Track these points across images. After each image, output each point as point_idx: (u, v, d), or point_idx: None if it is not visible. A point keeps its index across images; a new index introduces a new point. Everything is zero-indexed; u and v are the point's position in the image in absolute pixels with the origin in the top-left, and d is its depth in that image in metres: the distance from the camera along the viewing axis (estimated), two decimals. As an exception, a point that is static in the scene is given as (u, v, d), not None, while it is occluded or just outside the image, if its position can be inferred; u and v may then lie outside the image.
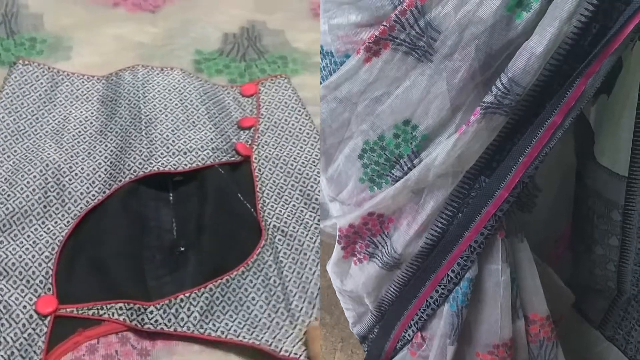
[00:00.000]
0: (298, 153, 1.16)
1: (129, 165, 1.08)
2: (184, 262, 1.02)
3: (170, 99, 1.20)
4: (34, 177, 1.05)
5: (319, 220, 1.07)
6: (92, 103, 1.22)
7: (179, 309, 0.94)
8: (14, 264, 0.95)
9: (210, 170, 1.11)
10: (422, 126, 0.89)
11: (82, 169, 1.09)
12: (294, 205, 1.09)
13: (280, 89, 1.29)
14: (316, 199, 1.09)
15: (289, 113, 1.24)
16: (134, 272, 0.99)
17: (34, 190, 1.04)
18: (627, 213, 1.05)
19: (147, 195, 1.08)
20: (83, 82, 1.25)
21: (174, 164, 1.08)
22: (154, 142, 1.11)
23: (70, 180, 1.07)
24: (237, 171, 1.14)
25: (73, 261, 0.99)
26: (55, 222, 1.02)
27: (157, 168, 1.07)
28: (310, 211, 1.08)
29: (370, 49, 0.87)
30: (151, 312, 0.93)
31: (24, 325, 0.90)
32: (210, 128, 1.16)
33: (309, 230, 1.05)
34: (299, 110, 1.24)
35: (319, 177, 1.08)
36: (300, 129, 1.21)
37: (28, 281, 0.94)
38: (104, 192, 1.06)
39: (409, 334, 1.03)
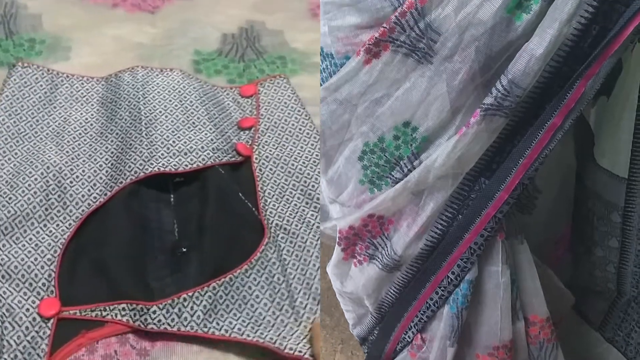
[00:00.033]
0: (298, 153, 1.16)
1: (129, 166, 1.08)
2: (186, 262, 1.01)
3: (170, 100, 1.20)
4: (35, 179, 1.05)
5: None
6: (92, 105, 1.22)
7: (182, 309, 0.94)
8: (16, 267, 0.95)
9: (211, 170, 1.11)
10: (422, 128, 0.89)
11: (83, 171, 1.09)
12: (295, 205, 1.09)
13: (280, 89, 1.29)
14: (317, 199, 1.09)
15: (289, 113, 1.24)
16: (136, 274, 0.99)
17: (35, 192, 1.04)
18: (627, 215, 1.04)
19: (148, 197, 1.08)
20: (82, 83, 1.25)
21: (175, 165, 1.08)
22: (154, 143, 1.11)
23: (71, 182, 1.07)
24: (237, 171, 1.14)
25: (75, 263, 0.99)
26: (57, 225, 1.02)
27: (158, 169, 1.07)
28: (312, 210, 1.08)
29: (370, 51, 0.87)
30: (154, 312, 0.93)
31: (27, 328, 0.90)
32: (211, 129, 1.16)
33: (311, 229, 1.05)
34: (299, 110, 1.24)
35: (320, 176, 1.08)
36: (300, 128, 1.21)
37: (31, 284, 0.94)
38: (105, 194, 1.06)
39: (409, 336, 1.03)
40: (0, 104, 1.17)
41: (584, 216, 1.12)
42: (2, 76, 1.23)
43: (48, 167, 1.07)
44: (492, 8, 0.80)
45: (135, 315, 0.93)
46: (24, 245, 0.98)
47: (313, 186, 1.10)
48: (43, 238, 1.00)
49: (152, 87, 1.22)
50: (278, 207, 1.08)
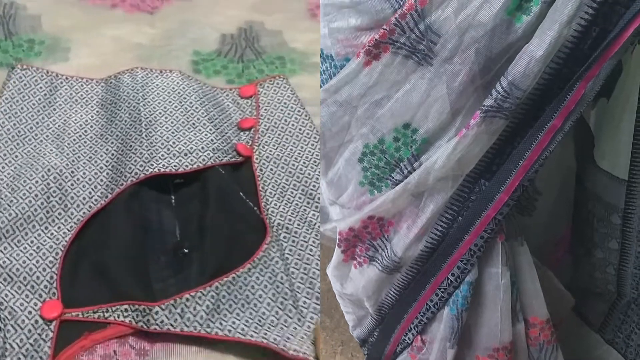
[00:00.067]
0: (299, 153, 1.16)
1: (129, 168, 1.08)
2: (188, 263, 1.01)
3: (170, 101, 1.20)
4: (36, 182, 1.05)
5: (322, 219, 1.07)
6: (92, 106, 1.22)
7: (184, 309, 0.93)
8: (18, 269, 0.95)
9: (211, 171, 1.11)
10: (422, 130, 0.89)
11: (84, 173, 1.09)
12: (296, 204, 1.09)
13: (279, 90, 1.29)
14: (318, 199, 1.09)
15: (289, 113, 1.24)
16: (138, 275, 0.98)
17: (36, 195, 1.04)
18: (627, 216, 1.04)
19: (148, 198, 1.08)
20: (82, 85, 1.25)
21: (175, 166, 1.08)
22: (154, 144, 1.11)
23: (72, 185, 1.07)
24: (238, 172, 1.14)
25: (77, 265, 0.99)
26: (59, 227, 1.02)
27: (158, 170, 1.07)
28: (313, 210, 1.08)
29: (370, 53, 0.87)
30: (157, 313, 0.93)
31: (29, 330, 0.90)
32: (211, 129, 1.16)
33: (312, 229, 1.05)
34: (299, 111, 1.24)
35: (320, 177, 1.08)
36: (300, 129, 1.21)
37: (32, 286, 0.94)
38: (106, 197, 1.06)
39: (409, 338, 1.03)
40: (0, 106, 1.17)
41: (584, 218, 1.12)
42: (1, 77, 1.23)
43: (49, 170, 1.07)
44: (492, 10, 0.80)
45: (137, 316, 0.93)
46: (25, 248, 0.98)
47: (314, 186, 1.10)
48: (45, 240, 1.00)
49: (152, 88, 1.22)
50: (279, 206, 1.08)
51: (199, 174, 1.10)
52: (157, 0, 1.48)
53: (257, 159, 1.15)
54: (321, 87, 0.92)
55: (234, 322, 0.94)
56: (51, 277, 0.96)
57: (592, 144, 1.07)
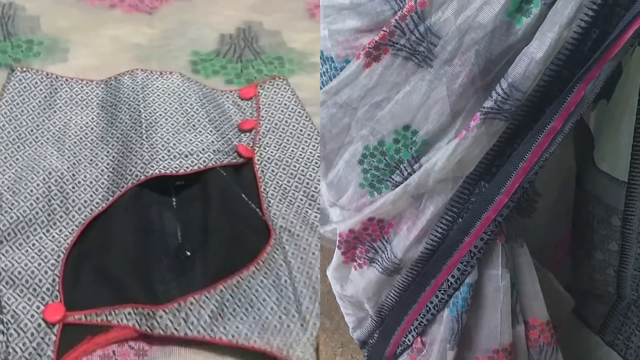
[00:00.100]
0: (300, 154, 1.16)
1: (130, 170, 1.08)
2: (190, 266, 1.01)
3: (170, 103, 1.20)
4: (37, 185, 1.05)
5: (323, 221, 1.07)
6: (92, 108, 1.22)
7: (189, 313, 0.93)
8: (20, 272, 0.95)
9: (212, 172, 1.10)
10: (422, 131, 0.89)
11: (85, 176, 1.09)
12: (298, 206, 1.08)
13: (280, 91, 1.29)
14: (320, 200, 1.09)
15: (289, 114, 1.23)
16: (140, 277, 0.98)
17: (37, 198, 1.03)
18: (626, 218, 1.04)
19: (150, 200, 1.08)
20: (82, 87, 1.25)
21: (176, 167, 1.08)
22: (155, 146, 1.11)
23: (73, 188, 1.07)
24: (239, 173, 1.14)
25: (79, 268, 0.98)
26: (60, 230, 1.02)
27: (159, 171, 1.07)
28: (315, 212, 1.07)
29: (370, 54, 0.87)
30: (161, 317, 0.92)
31: (32, 334, 0.90)
32: (211, 131, 1.16)
33: (314, 231, 1.05)
34: (299, 112, 1.24)
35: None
36: (301, 130, 1.21)
37: (35, 289, 0.94)
38: (108, 199, 1.06)
39: (409, 339, 1.03)
40: (0, 109, 1.17)
41: (584, 219, 1.12)
42: (0, 78, 1.23)
43: (50, 173, 1.07)
44: (492, 11, 0.81)
45: (141, 319, 0.92)
46: (27, 251, 0.98)
47: (315, 188, 1.10)
48: (46, 243, 0.99)
49: (152, 90, 1.22)
50: (281, 208, 1.08)
51: (199, 176, 1.10)
52: (155, 1, 1.48)
53: (258, 160, 1.14)
54: (321, 88, 0.92)
55: (237, 327, 0.94)
56: (53, 280, 0.95)
57: (592, 146, 1.07)
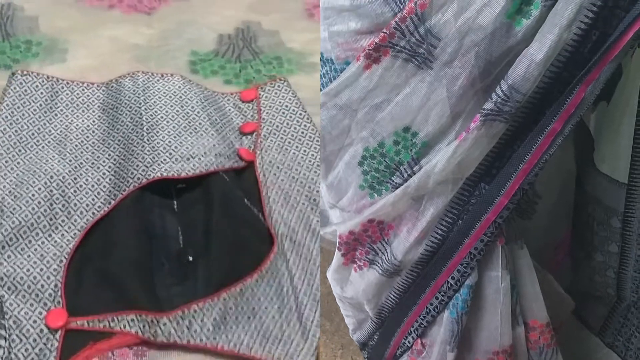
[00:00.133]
0: (302, 157, 1.16)
1: (132, 173, 1.07)
2: (193, 271, 1.00)
3: (172, 106, 1.19)
4: (39, 189, 1.05)
5: (324, 227, 1.06)
6: (93, 111, 1.21)
7: (192, 321, 0.93)
8: (22, 278, 0.94)
9: (215, 176, 1.10)
10: (422, 133, 0.89)
11: (87, 180, 1.09)
12: (300, 211, 1.08)
13: (281, 93, 1.28)
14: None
15: (290, 117, 1.23)
16: (143, 283, 0.97)
17: (39, 202, 1.03)
18: (626, 220, 1.05)
19: (151, 203, 1.08)
20: (83, 90, 1.25)
21: (177, 170, 1.08)
22: (156, 149, 1.10)
23: (75, 192, 1.07)
24: (240, 177, 1.13)
25: (82, 273, 0.98)
26: (62, 235, 1.01)
27: (161, 174, 1.06)
28: (317, 216, 1.07)
29: (371, 56, 0.87)
30: (164, 324, 0.92)
31: (34, 340, 0.89)
32: (213, 134, 1.16)
33: (316, 237, 1.05)
34: (300, 114, 1.23)
35: (323, 181, 1.08)
36: (302, 132, 1.20)
37: (37, 295, 0.93)
38: (109, 203, 1.05)
39: (409, 341, 1.03)
40: (1, 113, 1.16)
41: (584, 221, 1.12)
42: (-1, 79, 1.23)
43: (51, 177, 1.07)
44: (492, 13, 0.81)
45: (144, 326, 0.92)
46: (29, 256, 0.97)
47: (317, 191, 1.10)
48: (48, 248, 0.99)
49: (153, 92, 1.22)
50: (283, 213, 1.07)
51: (201, 179, 1.10)
52: (154, 1, 1.48)
53: (259, 163, 1.14)
54: (321, 90, 0.92)
55: (239, 336, 0.94)
56: (55, 286, 0.95)
57: (592, 148, 1.07)
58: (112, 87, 1.25)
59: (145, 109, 1.18)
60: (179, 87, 1.24)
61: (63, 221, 1.03)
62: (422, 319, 1.00)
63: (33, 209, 1.02)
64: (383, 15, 0.85)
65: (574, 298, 1.14)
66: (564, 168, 1.11)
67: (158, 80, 1.25)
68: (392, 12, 0.85)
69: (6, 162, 1.09)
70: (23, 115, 1.17)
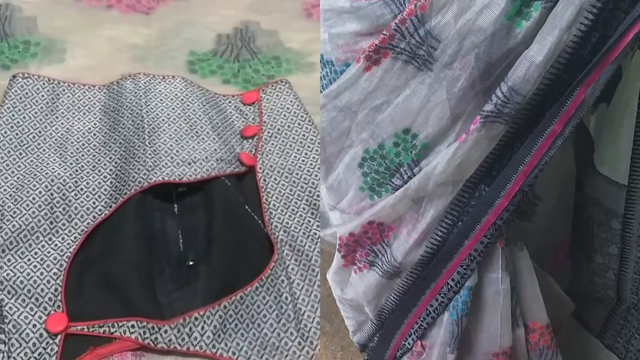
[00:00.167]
0: (303, 160, 1.15)
1: (133, 176, 1.07)
2: (193, 276, 1.01)
3: (173, 109, 1.19)
4: (40, 192, 1.04)
5: (325, 231, 1.06)
6: (95, 114, 1.21)
7: (192, 328, 0.93)
8: (22, 282, 0.94)
9: (216, 181, 1.10)
10: (422, 135, 0.89)
11: (88, 183, 1.09)
12: (300, 216, 1.08)
13: (282, 95, 1.28)
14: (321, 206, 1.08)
15: (292, 119, 1.23)
16: (143, 287, 0.98)
17: (39, 206, 1.03)
18: (626, 222, 1.04)
19: (152, 207, 1.08)
20: (84, 92, 1.25)
21: (179, 175, 1.07)
22: (158, 152, 1.10)
23: (76, 195, 1.06)
24: (242, 182, 1.13)
25: (82, 277, 0.98)
26: (63, 238, 1.01)
27: (162, 178, 1.06)
28: (318, 221, 1.07)
29: (371, 58, 0.87)
30: (165, 332, 0.92)
31: (34, 344, 0.89)
32: (214, 138, 1.16)
33: (315, 244, 1.04)
34: (302, 116, 1.23)
35: (323, 184, 1.08)
36: (303, 135, 1.20)
37: (37, 299, 0.93)
38: (110, 206, 1.05)
39: (409, 343, 1.03)
40: (1, 115, 1.16)
41: (584, 223, 1.12)
42: (-3, 79, 1.23)
43: (52, 180, 1.07)
44: (492, 15, 0.81)
45: (145, 333, 0.92)
46: (29, 260, 0.97)
47: (318, 196, 1.09)
48: (49, 252, 0.99)
49: (155, 94, 1.22)
50: (283, 219, 1.07)
51: (202, 184, 1.09)
52: (152, 1, 1.48)
53: (260, 168, 1.14)
54: (321, 92, 0.92)
55: (238, 344, 0.94)
56: (56, 290, 0.95)
57: (592, 149, 1.07)
58: (113, 89, 1.25)
59: (147, 111, 1.18)
60: (181, 89, 1.24)
61: (64, 225, 1.03)
62: (422, 321, 1.00)
63: (33, 212, 1.02)
64: (383, 17, 0.85)
65: (574, 300, 1.14)
66: (564, 170, 1.11)
67: (159, 82, 1.25)
68: (392, 13, 0.85)
69: (7, 165, 1.09)
70: (24, 118, 1.17)
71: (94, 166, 1.12)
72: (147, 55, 1.35)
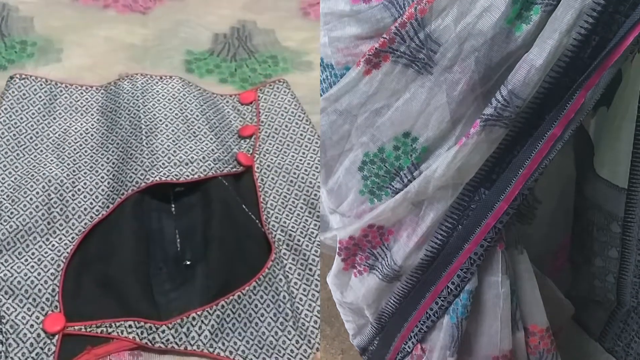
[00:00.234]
0: (300, 160, 1.16)
1: (130, 176, 1.07)
2: (191, 276, 1.01)
3: (171, 109, 1.19)
4: (37, 193, 1.05)
5: (323, 230, 1.07)
6: (92, 114, 1.21)
7: (190, 328, 0.93)
8: (19, 282, 0.94)
9: (214, 181, 1.10)
10: (422, 138, 0.89)
11: (85, 183, 1.09)
12: (298, 215, 1.08)
13: (280, 94, 1.28)
14: (319, 208, 1.08)
15: (289, 119, 1.23)
16: (141, 288, 0.98)
17: (37, 206, 1.03)
18: (626, 225, 1.04)
19: (149, 207, 1.08)
20: (82, 93, 1.25)
21: (176, 175, 1.08)
22: (155, 152, 1.10)
23: (73, 195, 1.07)
24: (239, 182, 1.13)
25: (79, 277, 0.98)
26: (60, 239, 1.01)
27: (159, 178, 1.07)
28: (315, 220, 1.07)
29: (371, 61, 0.87)
30: (163, 332, 0.92)
31: (31, 344, 0.89)
32: (211, 138, 1.16)
33: (313, 243, 1.05)
34: (299, 116, 1.23)
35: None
36: (301, 134, 1.20)
37: (34, 299, 0.93)
38: (108, 207, 1.05)
39: (409, 346, 1.03)
40: (-1, 117, 1.17)
41: (584, 226, 1.12)
42: (-5, 79, 1.23)
43: (49, 180, 1.07)
44: (492, 19, 0.81)
45: (143, 333, 0.92)
46: (26, 260, 0.97)
47: (315, 194, 1.10)
48: (46, 252, 0.99)
49: (152, 95, 1.22)
50: (281, 219, 1.07)
51: (200, 184, 1.10)
52: (149, 1, 1.48)
53: (258, 168, 1.14)
54: (321, 95, 0.92)
55: (235, 343, 0.94)
56: (53, 290, 0.95)
57: (591, 153, 1.07)
58: (111, 90, 1.25)
59: (144, 112, 1.18)
60: (178, 89, 1.24)
61: (61, 225, 1.03)
62: (422, 324, 1.00)
63: (31, 212, 1.02)
64: (383, 20, 0.85)
65: (574, 303, 1.14)
66: (564, 173, 1.11)
67: (157, 82, 1.25)
68: (392, 17, 0.84)
69: (4, 165, 1.09)
70: (21, 118, 1.17)
71: (91, 166, 1.12)
72: (144, 54, 1.35)
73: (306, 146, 1.18)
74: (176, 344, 0.92)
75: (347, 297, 1.06)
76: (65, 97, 1.23)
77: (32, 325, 0.91)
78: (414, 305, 1.00)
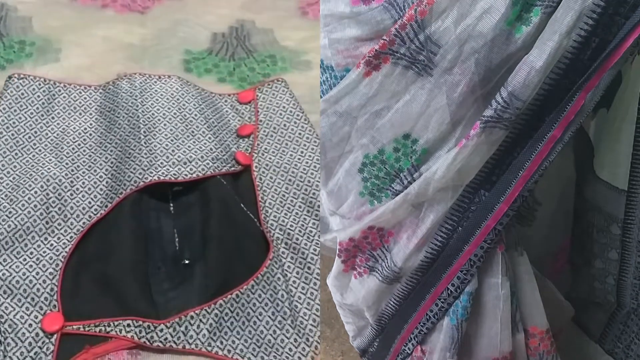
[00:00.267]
0: (298, 159, 1.16)
1: (129, 176, 1.08)
2: (189, 275, 1.01)
3: (169, 108, 1.19)
4: (35, 192, 1.05)
5: (322, 229, 1.07)
6: (91, 114, 1.21)
7: (188, 327, 0.93)
8: (17, 281, 0.94)
9: (212, 180, 1.10)
10: (422, 140, 0.89)
11: (83, 183, 1.09)
12: (296, 214, 1.08)
13: (278, 94, 1.28)
14: (319, 206, 1.08)
15: (288, 118, 1.23)
16: (139, 287, 0.98)
17: (35, 206, 1.03)
18: (626, 227, 1.04)
19: (148, 206, 1.08)
20: (80, 92, 1.25)
21: (175, 174, 1.08)
22: (154, 152, 1.10)
23: (71, 195, 1.07)
24: (238, 181, 1.13)
25: (78, 277, 0.98)
26: (58, 238, 1.01)
27: (158, 177, 1.07)
28: (314, 219, 1.07)
29: (371, 63, 0.87)
30: (161, 330, 0.92)
31: (30, 344, 0.89)
32: (210, 137, 1.16)
33: (312, 241, 1.05)
34: (298, 115, 1.23)
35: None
36: (300, 133, 1.20)
37: (33, 299, 0.93)
38: (106, 206, 1.05)
39: (409, 348, 1.03)
40: (-3, 116, 1.17)
41: (584, 228, 1.12)
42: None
43: (48, 180, 1.07)
44: (492, 20, 0.81)
45: (141, 332, 0.92)
46: (25, 260, 0.97)
47: (314, 193, 1.10)
48: (44, 252, 0.99)
49: (151, 94, 1.22)
50: (279, 217, 1.07)
51: (198, 183, 1.10)
52: (148, 0, 1.48)
53: (256, 167, 1.14)
54: (321, 97, 0.92)
55: (233, 342, 0.94)
56: (51, 289, 0.95)
57: (591, 155, 1.07)
58: (109, 89, 1.25)
59: (143, 111, 1.18)
60: (177, 89, 1.24)
61: (59, 224, 1.03)
62: (422, 326, 1.00)
63: (29, 212, 1.02)
64: (383, 22, 0.85)
65: (574, 305, 1.14)
66: (564, 175, 1.11)
67: (155, 82, 1.25)
68: (392, 19, 0.84)
69: (2, 165, 1.09)
70: (20, 118, 1.17)
71: (89, 166, 1.12)
72: (143, 54, 1.35)
73: (304, 145, 1.18)
74: (174, 342, 0.92)
75: (347, 298, 1.06)
76: (64, 97, 1.23)
77: (30, 325, 0.91)
78: (414, 307, 1.00)
